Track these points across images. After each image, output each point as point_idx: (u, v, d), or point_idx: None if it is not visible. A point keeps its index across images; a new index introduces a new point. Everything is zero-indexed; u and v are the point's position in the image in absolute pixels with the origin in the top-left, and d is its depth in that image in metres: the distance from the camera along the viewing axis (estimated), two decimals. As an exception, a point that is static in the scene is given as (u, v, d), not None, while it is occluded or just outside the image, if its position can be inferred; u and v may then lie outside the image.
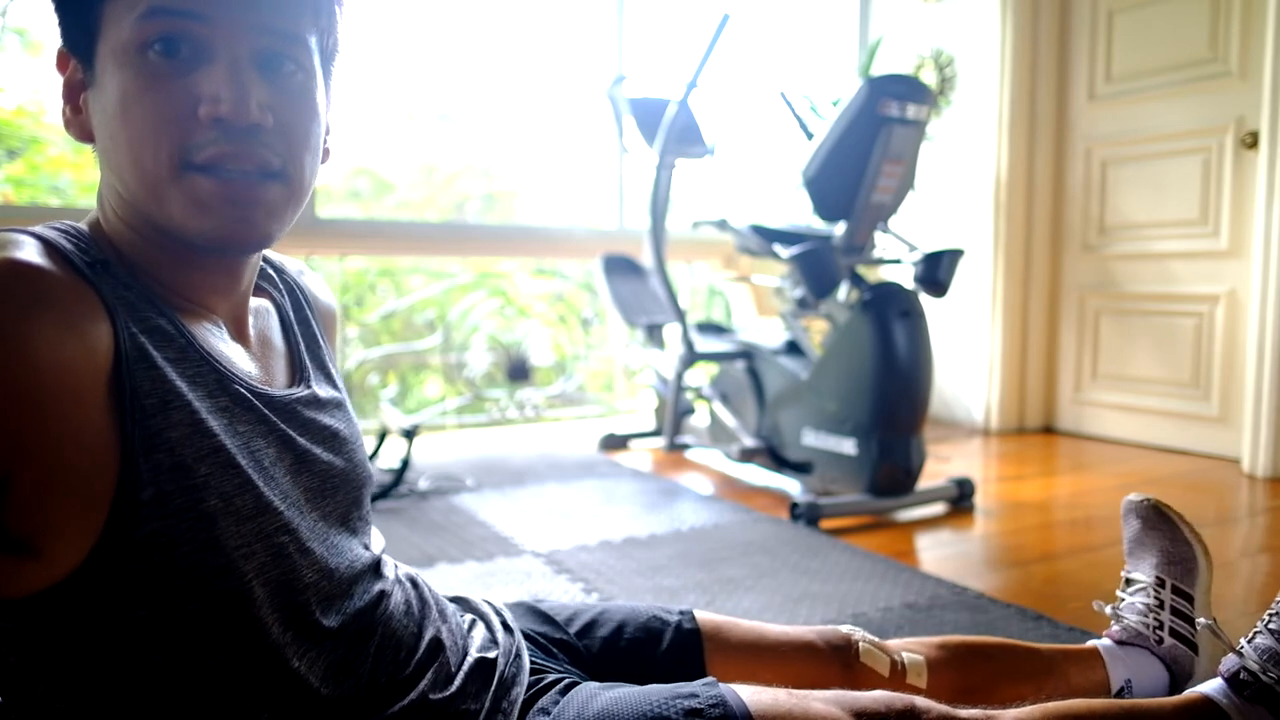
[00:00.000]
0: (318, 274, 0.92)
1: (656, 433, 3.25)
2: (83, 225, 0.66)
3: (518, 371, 4.23)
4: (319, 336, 0.84)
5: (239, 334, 0.72)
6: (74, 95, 0.67)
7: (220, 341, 0.69)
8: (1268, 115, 2.66)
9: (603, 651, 0.93)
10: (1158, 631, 1.11)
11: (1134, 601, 1.15)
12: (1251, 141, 2.81)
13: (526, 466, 2.83)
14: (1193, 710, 0.89)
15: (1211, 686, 0.92)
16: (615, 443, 3.20)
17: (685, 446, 3.11)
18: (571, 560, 1.88)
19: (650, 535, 2.07)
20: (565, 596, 1.65)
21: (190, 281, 0.67)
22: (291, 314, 0.81)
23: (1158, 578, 1.15)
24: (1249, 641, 0.94)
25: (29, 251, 0.57)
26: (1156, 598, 1.14)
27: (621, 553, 1.94)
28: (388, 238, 3.33)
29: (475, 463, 2.87)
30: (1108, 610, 1.18)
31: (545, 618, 0.94)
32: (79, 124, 0.66)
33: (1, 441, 0.53)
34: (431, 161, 4.46)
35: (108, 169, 0.65)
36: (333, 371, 0.84)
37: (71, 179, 3.36)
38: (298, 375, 0.77)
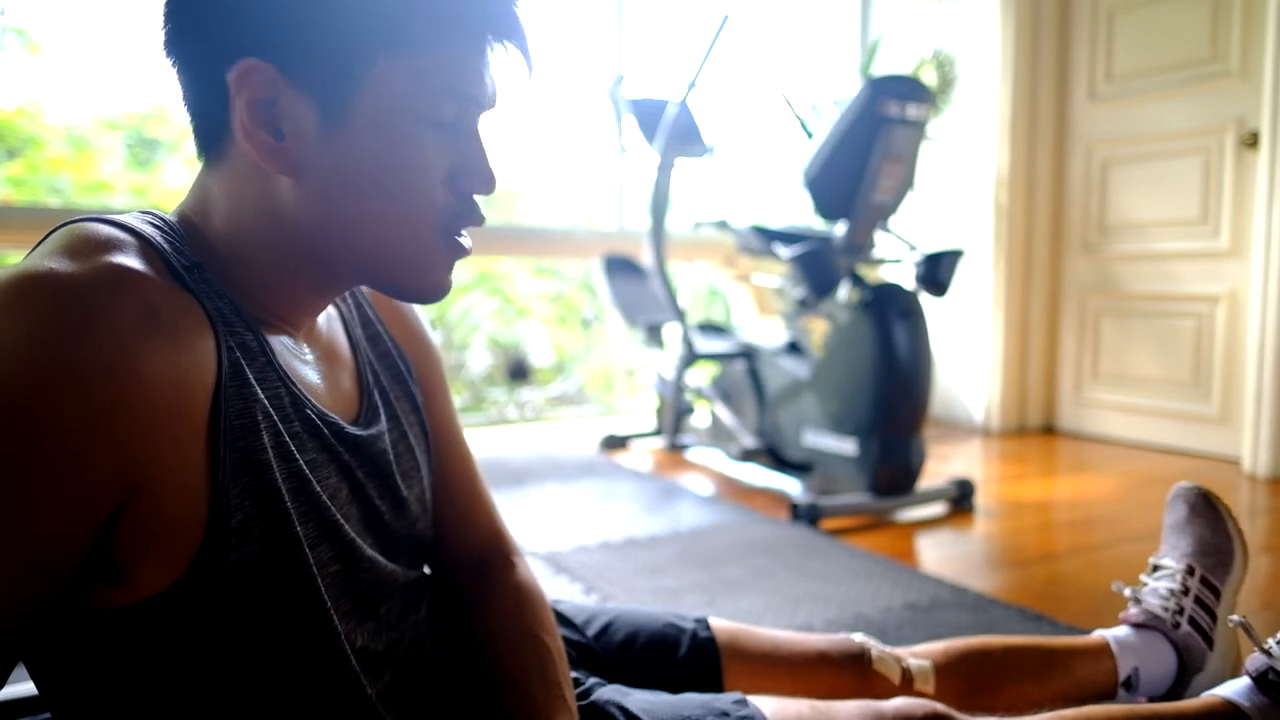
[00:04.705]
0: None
1: (656, 433, 3.24)
2: (172, 216, 0.62)
3: (517, 371, 4.23)
4: (392, 352, 0.80)
5: (311, 345, 0.70)
6: (274, 120, 0.59)
7: (295, 359, 0.66)
8: (1268, 115, 2.66)
9: (618, 656, 0.93)
10: (1176, 616, 1.10)
11: (1158, 586, 1.15)
12: (1251, 141, 2.81)
13: (526, 466, 2.82)
14: (1214, 714, 0.88)
15: (1233, 689, 0.92)
16: (615, 443, 3.19)
17: (685, 446, 3.11)
18: (571, 561, 1.88)
19: (650, 536, 2.07)
20: (565, 597, 1.65)
21: (286, 300, 0.65)
22: (359, 329, 0.78)
23: (1189, 565, 1.14)
24: (1279, 642, 0.93)
25: (132, 255, 0.53)
26: (1183, 584, 1.12)
27: (621, 553, 1.94)
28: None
29: (475, 463, 2.87)
30: (1127, 592, 1.17)
31: (563, 619, 0.94)
32: (286, 155, 0.59)
33: (123, 470, 0.50)
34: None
35: (334, 213, 0.61)
36: (411, 388, 0.80)
37: (71, 179, 3.36)
38: (364, 399, 0.73)
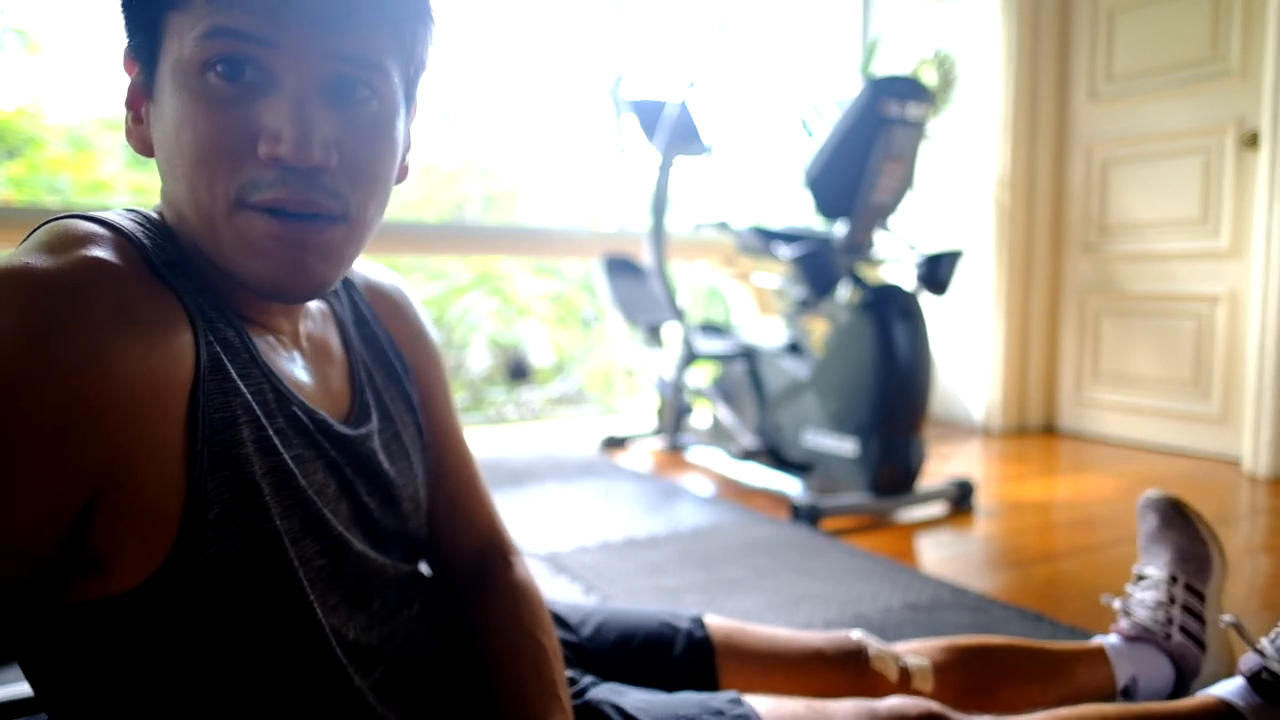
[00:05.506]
0: (394, 283, 0.86)
1: (657, 433, 3.24)
2: (153, 212, 0.62)
3: (517, 371, 4.23)
4: (388, 351, 0.79)
5: (295, 344, 0.69)
6: (137, 103, 0.61)
7: (280, 356, 0.66)
8: (1268, 115, 2.66)
9: (613, 656, 0.92)
10: (1166, 628, 1.11)
11: (1144, 597, 1.15)
12: (1251, 141, 2.81)
13: (526, 466, 2.82)
14: (1208, 714, 0.88)
15: (1227, 689, 0.92)
16: (615, 443, 3.19)
17: (685, 446, 3.10)
18: (571, 561, 1.87)
19: (650, 536, 2.07)
20: (565, 598, 1.65)
21: (239, 295, 0.63)
22: (353, 328, 0.77)
23: (1171, 575, 1.15)
24: (1271, 641, 0.93)
25: (109, 250, 0.53)
26: (1168, 594, 1.13)
27: (621, 553, 1.93)
28: (387, 237, 3.33)
29: (475, 463, 2.86)
30: (1116, 605, 1.17)
31: (557, 619, 0.93)
32: (139, 135, 0.61)
33: (97, 461, 0.50)
34: (431, 161, 4.46)
35: (167, 189, 0.61)
36: (407, 387, 0.80)
37: (71, 179, 3.35)
38: (355, 398, 0.73)
